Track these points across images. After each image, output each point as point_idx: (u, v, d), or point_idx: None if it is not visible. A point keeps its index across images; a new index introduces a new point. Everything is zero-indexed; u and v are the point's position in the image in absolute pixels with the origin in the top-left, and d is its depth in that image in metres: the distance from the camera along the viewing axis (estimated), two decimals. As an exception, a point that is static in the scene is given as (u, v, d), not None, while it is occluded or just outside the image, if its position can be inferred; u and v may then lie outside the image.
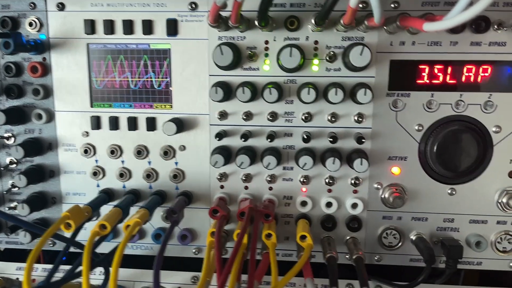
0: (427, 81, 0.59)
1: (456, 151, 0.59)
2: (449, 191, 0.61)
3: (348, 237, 0.64)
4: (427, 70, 0.58)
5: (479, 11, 0.32)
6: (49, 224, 0.67)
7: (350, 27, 0.54)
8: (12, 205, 0.66)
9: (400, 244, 0.63)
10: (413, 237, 0.62)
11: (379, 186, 0.62)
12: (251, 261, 0.51)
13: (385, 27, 0.56)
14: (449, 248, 0.59)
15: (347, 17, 0.49)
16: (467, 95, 0.59)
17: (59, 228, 0.52)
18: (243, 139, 0.60)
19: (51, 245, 0.68)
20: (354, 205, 0.62)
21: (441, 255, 0.62)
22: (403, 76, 0.59)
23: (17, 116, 0.63)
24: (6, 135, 0.65)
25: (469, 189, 0.61)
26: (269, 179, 0.63)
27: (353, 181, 0.62)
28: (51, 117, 0.64)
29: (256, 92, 0.60)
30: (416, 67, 0.58)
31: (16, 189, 0.66)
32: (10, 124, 0.63)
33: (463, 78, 0.58)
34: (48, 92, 0.63)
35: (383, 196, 0.62)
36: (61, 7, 0.61)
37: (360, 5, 0.55)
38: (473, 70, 0.58)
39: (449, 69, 0.58)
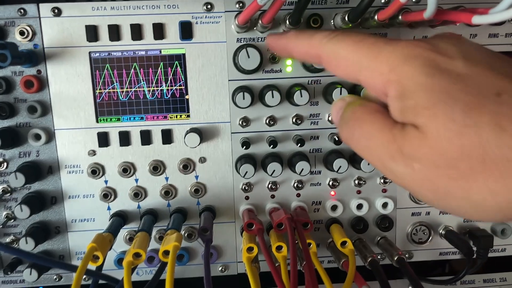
0: (449, 75, 0.59)
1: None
2: (474, 182, 0.62)
3: (379, 238, 0.62)
4: (448, 64, 0.58)
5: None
6: (54, 257, 0.60)
7: (382, 23, 0.53)
8: (9, 239, 0.58)
9: (430, 239, 0.63)
10: (442, 231, 0.63)
11: (407, 183, 0.61)
12: (292, 274, 0.47)
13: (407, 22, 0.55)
14: (480, 238, 0.60)
15: (388, 13, 0.48)
16: (487, 86, 0.59)
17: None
18: (271, 146, 0.57)
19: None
20: (385, 205, 0.61)
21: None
22: (427, 71, 0.58)
23: (9, 138, 0.55)
24: (-4, 161, 0.57)
25: (492, 179, 0.62)
26: (297, 186, 0.60)
27: (382, 180, 0.60)
28: (50, 136, 0.57)
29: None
30: (438, 61, 0.58)
31: (12, 221, 0.58)
32: (2, 148, 0.55)
33: (482, 70, 0.59)
34: (45, 108, 0.56)
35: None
36: (57, 12, 0.54)
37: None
38: (491, 61, 0.59)
39: (469, 62, 0.59)
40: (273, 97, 0.54)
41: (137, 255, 0.48)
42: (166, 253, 0.49)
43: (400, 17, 0.51)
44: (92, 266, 0.49)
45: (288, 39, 0.40)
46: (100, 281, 0.51)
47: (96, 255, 0.48)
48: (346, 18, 0.51)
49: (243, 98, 0.54)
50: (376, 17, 0.50)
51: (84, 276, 0.61)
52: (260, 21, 0.50)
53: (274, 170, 0.56)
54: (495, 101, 0.25)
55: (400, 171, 0.28)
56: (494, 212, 0.26)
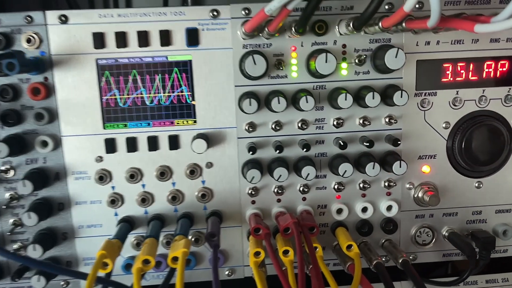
0: (451, 79, 0.60)
1: (482, 144, 0.61)
2: (476, 184, 0.63)
3: (383, 240, 0.63)
4: (451, 68, 0.59)
5: None
6: (61, 263, 0.60)
7: (385, 29, 0.54)
8: (16, 246, 0.58)
9: (433, 240, 0.64)
10: (445, 233, 0.63)
11: (411, 186, 0.62)
12: (300, 277, 0.48)
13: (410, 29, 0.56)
14: (482, 240, 0.61)
15: (392, 21, 0.48)
16: (489, 90, 0.60)
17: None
18: (277, 151, 0.57)
19: None
20: (389, 208, 0.62)
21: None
22: (430, 76, 0.59)
23: (17, 145, 0.55)
24: (3, 168, 0.57)
25: (494, 181, 0.63)
26: (303, 190, 0.60)
27: (386, 184, 0.61)
28: (57, 143, 0.57)
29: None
30: (441, 66, 0.59)
31: (19, 228, 0.58)
32: (10, 155, 0.55)
33: (484, 74, 0.60)
34: (52, 115, 0.56)
35: (415, 196, 0.62)
36: (64, 20, 0.54)
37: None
38: (493, 65, 0.60)
39: (471, 66, 0.60)
40: (279, 103, 0.54)
41: (146, 262, 0.48)
42: (175, 259, 0.49)
43: (403, 24, 0.51)
44: (100, 273, 0.49)
45: None
46: None
47: (105, 262, 0.48)
48: (351, 26, 0.52)
49: (250, 104, 0.54)
50: (380, 24, 0.51)
51: (91, 282, 0.61)
52: (266, 29, 0.51)
53: (280, 175, 0.56)
54: None
55: None
56: None
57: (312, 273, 0.51)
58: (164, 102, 0.57)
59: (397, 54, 0.54)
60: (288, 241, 0.56)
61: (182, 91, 0.57)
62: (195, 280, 0.63)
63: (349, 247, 0.56)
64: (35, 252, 0.55)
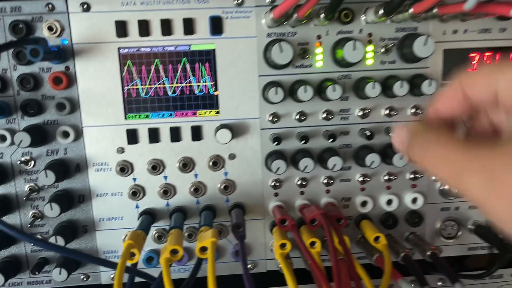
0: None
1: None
2: (502, 176, 0.62)
3: (408, 233, 0.62)
4: (477, 58, 0.58)
5: None
6: (81, 256, 0.59)
7: (415, 16, 0.52)
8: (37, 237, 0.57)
9: (459, 234, 0.63)
10: (471, 226, 0.62)
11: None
12: (335, 269, 0.47)
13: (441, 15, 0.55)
14: (510, 232, 0.60)
15: (426, 5, 0.47)
16: (516, 80, 0.59)
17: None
18: (303, 141, 0.56)
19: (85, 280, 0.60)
20: (414, 200, 0.60)
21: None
22: (456, 65, 0.58)
23: (38, 135, 0.54)
24: (23, 158, 0.56)
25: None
26: (327, 182, 0.59)
27: (412, 176, 0.60)
28: (78, 134, 0.56)
29: (312, 90, 0.56)
30: (468, 55, 0.58)
31: (38, 220, 0.57)
32: (31, 145, 0.54)
33: (511, 64, 0.59)
34: (74, 105, 0.55)
35: (441, 188, 0.61)
36: (86, 7, 0.53)
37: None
38: (519, 55, 0.59)
39: (497, 56, 0.59)
40: (305, 91, 0.53)
41: (174, 252, 0.47)
42: (203, 249, 0.48)
43: (436, 9, 0.50)
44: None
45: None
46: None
47: (132, 252, 0.47)
48: (381, 11, 0.51)
49: (276, 93, 0.53)
50: (411, 10, 0.50)
51: (111, 275, 0.60)
52: (295, 15, 0.50)
53: (306, 166, 0.55)
54: None
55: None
56: None
57: (340, 265, 0.50)
58: (187, 93, 0.56)
59: (426, 42, 0.53)
60: (314, 233, 0.55)
61: (205, 81, 0.56)
62: (217, 274, 0.61)
63: (376, 239, 0.55)
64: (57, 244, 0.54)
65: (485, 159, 0.28)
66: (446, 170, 0.30)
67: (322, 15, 0.51)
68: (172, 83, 0.56)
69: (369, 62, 0.57)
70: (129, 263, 0.48)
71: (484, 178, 0.27)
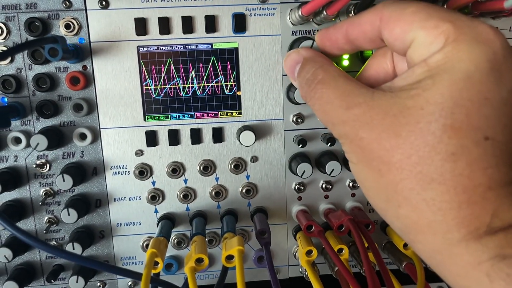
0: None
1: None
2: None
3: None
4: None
5: None
6: (98, 263, 0.57)
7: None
8: (52, 244, 0.55)
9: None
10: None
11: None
12: (369, 276, 0.45)
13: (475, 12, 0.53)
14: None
15: (461, 3, 0.45)
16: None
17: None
18: (329, 144, 0.54)
19: None
20: (443, 204, 0.58)
21: None
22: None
23: (55, 138, 0.52)
24: (38, 162, 0.54)
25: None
26: (353, 185, 0.57)
27: (440, 179, 0.58)
28: (96, 136, 0.54)
29: (338, 90, 0.54)
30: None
31: (54, 226, 0.55)
32: (47, 148, 0.51)
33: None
34: (91, 106, 0.53)
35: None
36: (105, 4, 0.51)
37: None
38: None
39: None
40: (333, 92, 0.51)
41: (199, 261, 0.45)
42: (229, 258, 0.46)
43: (469, 7, 0.48)
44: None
45: (345, 21, 0.35)
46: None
47: (156, 261, 0.45)
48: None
49: (302, 94, 0.51)
50: (445, 6, 0.48)
51: (129, 282, 0.58)
52: (324, 12, 0.47)
53: (333, 169, 0.53)
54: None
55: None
56: None
57: (373, 272, 0.47)
58: (208, 93, 0.54)
59: (459, 40, 0.51)
60: (340, 239, 0.53)
61: (227, 81, 0.54)
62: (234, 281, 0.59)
63: (406, 245, 0.53)
64: (74, 251, 0.52)
65: (358, 108, 0.28)
66: (324, 109, 0.31)
67: (352, 13, 0.49)
68: (193, 83, 0.54)
69: (397, 61, 0.55)
70: (153, 272, 0.46)
71: (351, 133, 0.29)
